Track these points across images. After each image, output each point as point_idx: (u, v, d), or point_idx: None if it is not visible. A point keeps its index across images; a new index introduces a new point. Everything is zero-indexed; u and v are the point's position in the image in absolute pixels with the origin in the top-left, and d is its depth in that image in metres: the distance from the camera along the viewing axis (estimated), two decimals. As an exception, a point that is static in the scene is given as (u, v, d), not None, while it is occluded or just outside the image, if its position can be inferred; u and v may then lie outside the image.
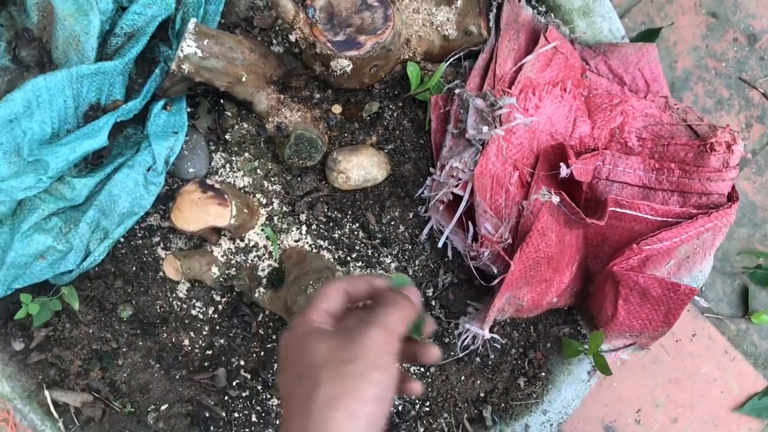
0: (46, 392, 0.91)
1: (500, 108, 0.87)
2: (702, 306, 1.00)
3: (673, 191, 0.95)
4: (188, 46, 0.77)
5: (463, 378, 0.94)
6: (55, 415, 0.91)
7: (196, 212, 0.85)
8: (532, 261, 0.84)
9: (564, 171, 0.87)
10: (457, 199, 0.88)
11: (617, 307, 0.89)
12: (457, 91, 0.90)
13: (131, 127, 0.88)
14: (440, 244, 0.90)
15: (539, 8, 1.04)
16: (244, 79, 0.82)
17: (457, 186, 0.86)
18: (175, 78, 0.84)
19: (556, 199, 0.83)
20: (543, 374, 0.96)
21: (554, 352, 0.97)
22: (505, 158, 0.89)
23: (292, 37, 0.80)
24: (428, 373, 0.94)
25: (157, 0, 0.84)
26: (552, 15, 1.04)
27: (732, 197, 0.94)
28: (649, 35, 1.55)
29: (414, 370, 0.94)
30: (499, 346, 0.94)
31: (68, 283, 0.86)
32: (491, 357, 0.95)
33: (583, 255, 0.94)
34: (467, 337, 0.89)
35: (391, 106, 0.95)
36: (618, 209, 0.90)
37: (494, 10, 0.92)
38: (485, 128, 0.87)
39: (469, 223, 0.87)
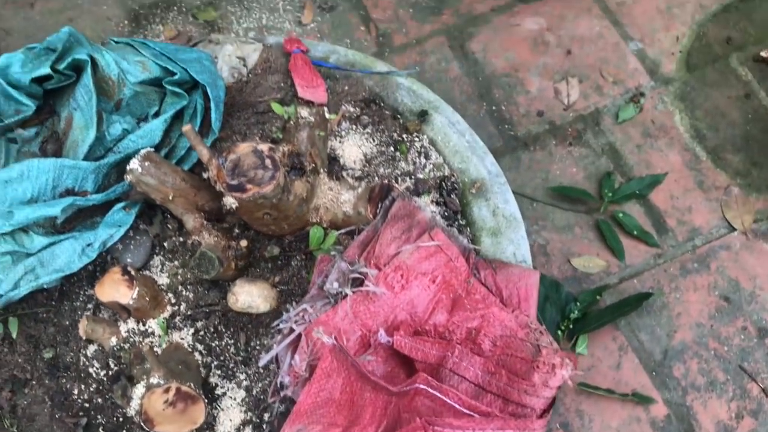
0: (-34, 395, 1.16)
1: (355, 272, 1.05)
2: None
3: (498, 395, 1.02)
4: (134, 163, 1.07)
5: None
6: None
7: (111, 287, 1.11)
8: (319, 399, 0.96)
9: (382, 336, 1.00)
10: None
11: (399, 476, 0.96)
12: (332, 253, 1.10)
13: (99, 217, 1.18)
14: (261, 363, 1.06)
15: (460, 221, 1.22)
16: (171, 198, 1.10)
17: (296, 323, 1.03)
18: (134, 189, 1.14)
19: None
20: None
21: None
22: (353, 318, 1.05)
23: (205, 175, 1.07)
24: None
25: (147, 137, 1.18)
26: (468, 229, 1.21)
27: (544, 415, 0.99)
28: (640, 298, 1.63)
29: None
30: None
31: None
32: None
33: (395, 423, 1.02)
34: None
35: (297, 257, 1.17)
36: (429, 389, 1.00)
37: (387, 202, 1.12)
38: (336, 284, 1.04)
39: (289, 355, 1.03)
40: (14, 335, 1.17)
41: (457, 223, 1.22)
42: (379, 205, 1.12)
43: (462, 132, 1.27)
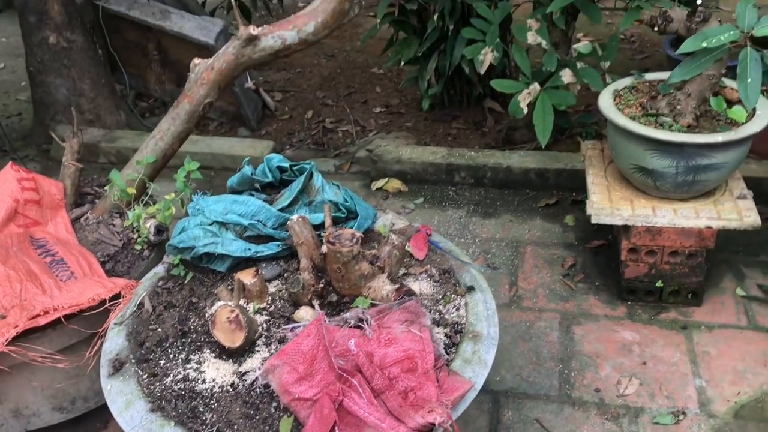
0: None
1: (362, 318, 1.70)
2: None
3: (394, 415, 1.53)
4: (295, 217, 1.91)
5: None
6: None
7: (245, 274, 1.90)
8: (296, 348, 1.58)
9: (352, 345, 1.61)
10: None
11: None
12: (361, 307, 1.76)
13: (264, 242, 2.01)
14: (287, 327, 1.70)
15: (452, 349, 1.79)
16: (301, 242, 1.89)
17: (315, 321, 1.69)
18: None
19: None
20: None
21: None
22: (347, 337, 1.67)
23: (322, 238, 1.85)
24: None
25: (312, 219, 2.02)
26: (454, 354, 1.78)
27: None
28: None
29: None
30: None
31: (192, 256, 1.98)
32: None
33: (330, 396, 1.57)
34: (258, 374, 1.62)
35: (344, 310, 1.84)
36: (358, 385, 1.55)
37: (407, 297, 1.76)
38: (350, 315, 1.70)
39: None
40: (186, 281, 1.99)
41: (450, 349, 1.79)
42: (401, 297, 1.78)
43: (488, 308, 1.88)
